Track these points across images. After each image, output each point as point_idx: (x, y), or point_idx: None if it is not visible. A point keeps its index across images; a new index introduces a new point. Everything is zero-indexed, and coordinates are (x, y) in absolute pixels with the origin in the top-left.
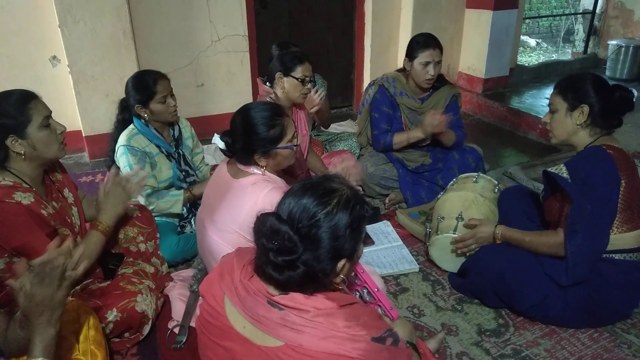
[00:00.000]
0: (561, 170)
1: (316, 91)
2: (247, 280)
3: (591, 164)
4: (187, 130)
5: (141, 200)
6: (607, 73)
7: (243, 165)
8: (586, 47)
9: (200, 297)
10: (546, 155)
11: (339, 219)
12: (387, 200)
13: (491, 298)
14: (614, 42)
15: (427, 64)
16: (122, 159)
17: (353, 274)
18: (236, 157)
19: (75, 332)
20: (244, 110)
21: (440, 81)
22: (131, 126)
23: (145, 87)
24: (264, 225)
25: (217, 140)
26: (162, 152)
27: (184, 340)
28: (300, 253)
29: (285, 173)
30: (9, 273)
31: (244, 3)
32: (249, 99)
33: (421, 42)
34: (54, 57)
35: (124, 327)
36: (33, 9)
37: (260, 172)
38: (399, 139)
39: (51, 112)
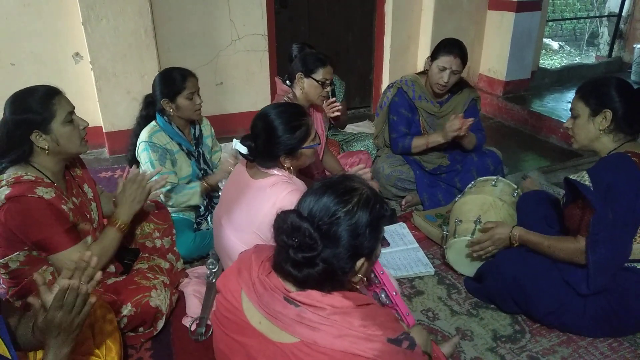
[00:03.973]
0: (583, 177)
1: (333, 101)
2: (265, 276)
3: (614, 172)
4: (207, 130)
5: (161, 196)
6: (632, 77)
7: (264, 168)
8: (611, 50)
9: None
10: (567, 160)
11: (359, 218)
12: (403, 202)
13: (507, 303)
14: None
15: (443, 69)
16: (144, 155)
17: (373, 274)
18: (258, 161)
19: (91, 325)
20: (265, 115)
21: (459, 85)
22: (153, 123)
23: (174, 81)
24: (284, 222)
25: (238, 145)
26: (183, 150)
27: (204, 332)
28: (320, 250)
29: (302, 174)
30: (29, 265)
31: (264, 2)
32: (267, 99)
33: (446, 47)
34: (77, 54)
35: (138, 322)
36: (57, 6)
37: (281, 174)
38: (418, 143)
39: (74, 107)
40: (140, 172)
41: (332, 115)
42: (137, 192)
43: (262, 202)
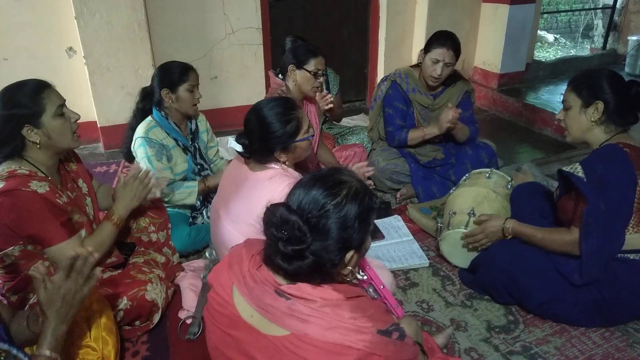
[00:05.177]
0: (576, 169)
1: (325, 95)
2: (255, 269)
3: (606, 163)
4: (203, 125)
5: (157, 192)
6: (627, 69)
7: (262, 162)
8: (605, 42)
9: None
10: (561, 152)
11: (348, 210)
12: (398, 195)
13: (501, 294)
14: (634, 37)
15: (436, 61)
16: (140, 150)
17: (359, 269)
18: (254, 157)
19: (87, 319)
20: (257, 110)
21: (453, 77)
22: (149, 118)
23: (176, 72)
24: (273, 215)
25: (233, 143)
26: (179, 145)
27: (197, 332)
28: (309, 243)
29: (296, 167)
30: (24, 260)
31: None
32: (262, 92)
33: (439, 39)
34: (70, 49)
35: (134, 315)
36: (50, 0)
37: (278, 167)
38: (414, 135)
39: (65, 100)
40: (144, 169)
41: (326, 107)
42: (138, 188)
43: (260, 194)
